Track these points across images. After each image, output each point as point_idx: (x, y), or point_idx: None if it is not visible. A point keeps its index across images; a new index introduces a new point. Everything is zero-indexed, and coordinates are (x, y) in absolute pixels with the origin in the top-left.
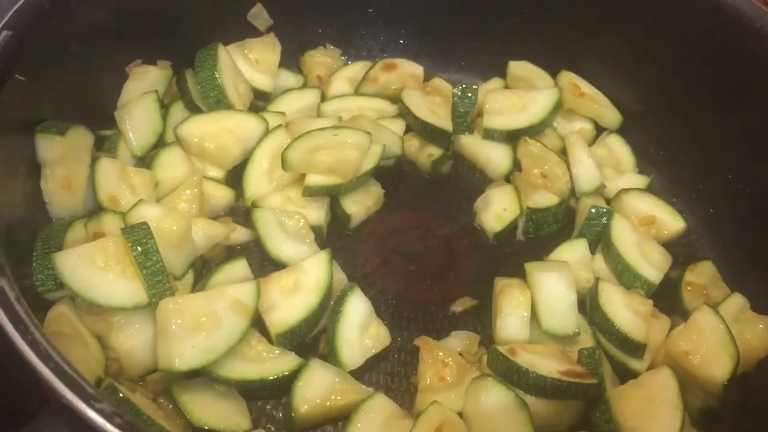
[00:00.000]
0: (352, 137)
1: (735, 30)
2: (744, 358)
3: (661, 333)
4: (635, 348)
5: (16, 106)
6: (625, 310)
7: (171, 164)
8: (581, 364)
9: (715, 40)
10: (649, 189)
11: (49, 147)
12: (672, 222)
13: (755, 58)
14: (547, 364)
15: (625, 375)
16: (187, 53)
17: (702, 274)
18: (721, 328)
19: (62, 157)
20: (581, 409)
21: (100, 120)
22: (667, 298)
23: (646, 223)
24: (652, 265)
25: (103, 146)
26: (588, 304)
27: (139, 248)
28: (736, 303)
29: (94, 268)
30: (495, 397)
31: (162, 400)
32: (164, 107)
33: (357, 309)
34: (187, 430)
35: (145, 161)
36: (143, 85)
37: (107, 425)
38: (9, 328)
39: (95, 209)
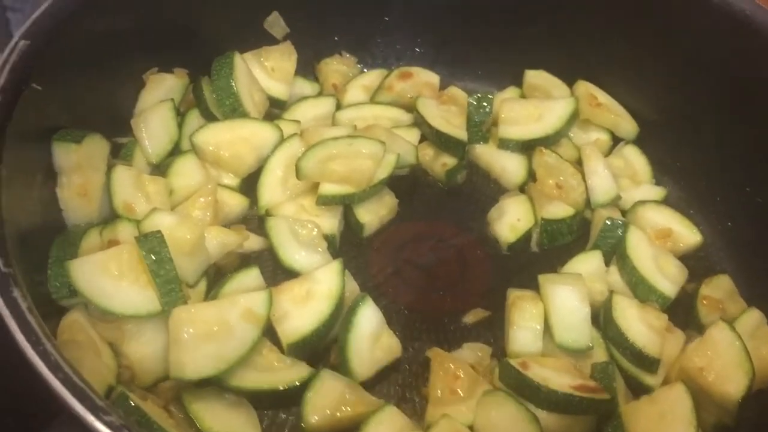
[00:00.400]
0: (367, 146)
1: (752, 40)
2: (760, 375)
3: (676, 348)
4: (649, 363)
5: (32, 114)
6: (640, 324)
7: (186, 172)
8: (594, 379)
9: (733, 50)
10: (666, 201)
11: (65, 155)
12: (688, 235)
13: None
14: (559, 379)
15: (638, 390)
16: (203, 61)
17: (718, 288)
18: (737, 344)
19: (78, 164)
20: (593, 424)
21: (117, 128)
22: (683, 312)
23: (663, 235)
24: (667, 278)
25: (119, 154)
26: (602, 318)
27: (153, 257)
28: (752, 318)
29: (108, 276)
30: (506, 411)
31: (173, 409)
32: (180, 115)
33: (368, 319)
34: None
35: (160, 169)
36: (159, 93)
37: None
38: (20, 338)
39: (110, 217)
